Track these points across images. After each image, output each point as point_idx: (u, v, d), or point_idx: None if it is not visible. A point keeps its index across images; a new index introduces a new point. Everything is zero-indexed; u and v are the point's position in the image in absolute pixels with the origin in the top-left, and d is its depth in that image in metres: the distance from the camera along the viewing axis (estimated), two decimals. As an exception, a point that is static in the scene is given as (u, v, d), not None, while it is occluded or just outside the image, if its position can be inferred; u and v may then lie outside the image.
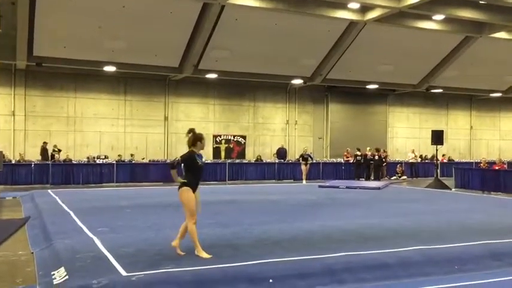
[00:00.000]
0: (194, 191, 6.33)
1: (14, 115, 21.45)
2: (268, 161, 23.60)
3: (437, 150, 19.55)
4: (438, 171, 20.17)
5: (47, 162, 19.28)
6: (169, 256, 6.13)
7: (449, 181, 18.41)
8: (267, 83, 25.02)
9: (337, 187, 17.41)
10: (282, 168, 22.35)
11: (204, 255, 6.11)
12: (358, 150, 23.11)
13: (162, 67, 22.11)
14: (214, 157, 24.49)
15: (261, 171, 21.94)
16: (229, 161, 22.79)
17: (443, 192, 16.42)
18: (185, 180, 6.26)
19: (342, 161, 24.11)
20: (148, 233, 7.77)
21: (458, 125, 31.00)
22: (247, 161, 23.44)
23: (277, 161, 23.24)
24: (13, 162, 19.18)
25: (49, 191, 15.27)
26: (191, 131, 6.51)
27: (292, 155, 25.48)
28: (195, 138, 6.42)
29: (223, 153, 25.07)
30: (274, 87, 25.80)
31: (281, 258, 6.05)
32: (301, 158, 20.98)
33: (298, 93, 26.76)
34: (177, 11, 18.77)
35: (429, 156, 26.77)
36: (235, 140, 25.53)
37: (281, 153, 24.32)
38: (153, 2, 18.08)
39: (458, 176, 17.64)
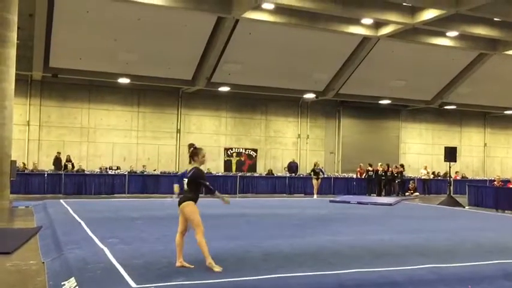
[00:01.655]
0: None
1: (28, 125, 21.74)
2: (279, 174, 23.55)
3: (450, 167, 19.36)
4: (451, 188, 19.95)
5: (60, 172, 19.44)
6: (179, 269, 6.12)
7: (462, 198, 18.20)
8: (279, 96, 25.10)
9: (349, 202, 17.29)
10: (293, 182, 22.29)
11: (216, 268, 6.07)
12: (370, 165, 23.00)
13: (175, 80, 22.31)
14: (225, 170, 24.52)
15: (272, 184, 21.90)
16: (240, 174, 22.79)
17: (456, 210, 16.22)
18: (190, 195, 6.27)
19: (354, 176, 23.98)
20: (158, 245, 7.76)
21: (472, 142, 30.71)
22: (258, 175, 23.42)
23: (288, 174, 23.18)
24: (26, 171, 19.36)
25: (61, 200, 15.37)
26: (191, 146, 6.48)
27: (304, 169, 25.41)
28: (192, 153, 6.38)
29: (234, 166, 25.08)
30: (286, 101, 25.86)
31: (291, 273, 6.00)
32: (312, 173, 20.90)
33: (310, 107, 26.78)
34: (191, 24, 18.98)
35: (442, 173, 26.52)
36: (246, 153, 25.55)
37: (292, 167, 24.27)
38: (168, 16, 18.31)
39: (472, 193, 17.43)
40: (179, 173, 6.68)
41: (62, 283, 5.58)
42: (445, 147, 19.84)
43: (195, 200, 6.27)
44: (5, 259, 6.92)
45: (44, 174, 18.85)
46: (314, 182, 20.52)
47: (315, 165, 21.07)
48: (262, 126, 25.97)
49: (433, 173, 26.58)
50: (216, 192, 6.35)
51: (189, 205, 6.24)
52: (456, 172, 26.42)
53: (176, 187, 7.15)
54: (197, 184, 6.32)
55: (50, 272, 6.18)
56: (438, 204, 17.79)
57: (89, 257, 6.69)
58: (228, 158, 25.11)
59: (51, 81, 21.37)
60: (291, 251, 7.55)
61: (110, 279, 5.56)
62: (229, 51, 20.70)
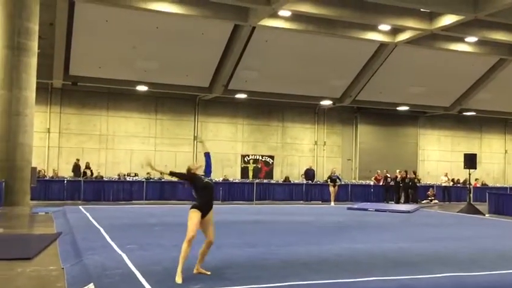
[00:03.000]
0: (205, 214, 6.12)
1: (49, 132, 22.08)
2: (296, 181, 23.48)
3: (470, 174, 19.07)
4: (471, 195, 19.65)
5: (79, 178, 19.68)
6: (197, 275, 6.13)
7: (482, 206, 17.90)
8: (296, 103, 25.08)
9: (366, 210, 17.14)
10: (310, 189, 22.18)
11: (178, 279, 5.79)
12: (387, 172, 22.77)
13: (192, 87, 22.48)
14: (242, 177, 24.54)
15: (289, 191, 21.83)
16: (257, 181, 22.77)
17: (476, 218, 15.95)
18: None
19: (371, 183, 23.78)
20: (176, 252, 7.73)
21: (492, 149, 30.22)
22: (275, 181, 23.37)
23: (305, 181, 23.09)
24: (47, 178, 19.63)
25: (80, 207, 15.53)
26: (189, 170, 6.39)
27: (321, 176, 25.30)
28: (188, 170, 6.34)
29: (251, 173, 25.10)
30: (303, 107, 25.83)
31: (309, 280, 5.96)
32: (329, 180, 20.78)
33: (327, 114, 26.69)
34: (208, 32, 19.13)
35: (461, 180, 26.14)
36: (263, 160, 25.55)
37: (309, 174, 24.17)
38: (186, 24, 18.48)
39: (492, 201, 17.13)
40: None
41: (81, 289, 5.63)
42: (465, 154, 19.55)
43: (195, 207, 6.14)
44: (25, 264, 7.01)
45: (64, 180, 19.09)
46: (331, 189, 20.40)
47: (331, 172, 20.96)
48: (279, 133, 25.96)
49: (453, 180, 26.20)
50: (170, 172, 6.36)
51: (189, 212, 6.18)
52: (476, 179, 26.01)
53: None
54: (196, 189, 6.20)
55: (70, 278, 6.24)
56: (458, 212, 17.52)
57: (107, 263, 6.74)
58: (244, 165, 25.14)
59: (71, 89, 21.71)
60: (309, 258, 7.50)
61: (128, 285, 5.59)
62: (246, 58, 20.79)
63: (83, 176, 20.27)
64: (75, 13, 17.78)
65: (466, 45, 21.06)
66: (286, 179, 23.70)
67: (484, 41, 20.51)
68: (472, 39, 20.26)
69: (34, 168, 16.45)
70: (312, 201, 21.52)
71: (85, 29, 18.43)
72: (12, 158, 15.37)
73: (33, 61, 15.75)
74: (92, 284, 5.68)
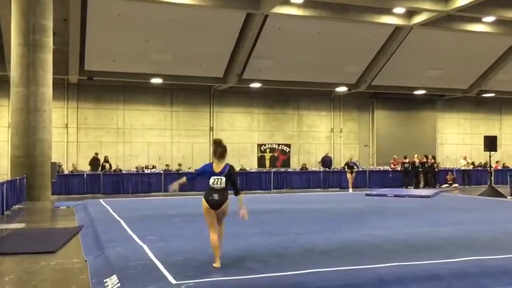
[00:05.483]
0: None
1: (67, 127, 22.35)
2: (314, 169, 23.42)
3: (490, 156, 18.80)
4: (492, 178, 19.37)
5: (98, 172, 19.91)
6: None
7: (504, 189, 17.65)
8: (311, 91, 24.94)
9: (385, 195, 17.03)
10: (328, 176, 22.12)
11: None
12: (405, 157, 22.57)
13: (206, 78, 22.49)
14: (259, 166, 24.57)
15: (306, 179, 21.80)
16: (274, 169, 22.77)
17: (497, 201, 15.74)
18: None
19: (389, 168, 23.60)
20: (195, 242, 7.84)
21: (513, 130, 29.72)
22: (292, 170, 23.36)
23: (322, 169, 23.02)
24: (66, 172, 19.90)
25: (101, 200, 15.72)
26: (220, 142, 6.29)
27: (338, 163, 25.19)
28: (224, 151, 6.24)
29: (268, 162, 25.11)
30: (318, 95, 25.68)
31: (328, 268, 5.96)
32: (346, 166, 20.70)
33: (342, 100, 26.50)
34: (221, 22, 19.07)
35: (482, 163, 25.77)
36: (279, 148, 25.53)
37: (326, 161, 24.08)
38: (198, 14, 18.45)
39: (514, 183, 16.87)
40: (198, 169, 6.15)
41: (105, 280, 5.71)
42: (485, 137, 19.26)
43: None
44: (49, 258, 7.14)
45: (83, 174, 19.34)
46: (348, 175, 20.32)
47: (349, 159, 20.87)
48: (295, 121, 25.87)
49: (473, 163, 25.82)
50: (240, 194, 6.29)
51: (228, 203, 6.21)
52: (497, 162, 25.63)
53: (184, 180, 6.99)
54: (231, 181, 6.22)
55: (93, 270, 6.34)
56: (478, 195, 17.30)
57: (129, 254, 6.82)
58: (261, 154, 25.15)
59: (86, 84, 21.91)
60: (328, 245, 7.49)
61: (150, 276, 5.66)
62: (260, 47, 20.71)
63: (102, 170, 20.51)
64: (88, 8, 17.88)
65: (483, 26, 20.64)
66: (303, 167, 23.66)
67: (502, 20, 20.07)
68: (489, 19, 19.84)
69: (54, 163, 16.69)
70: (329, 189, 21.48)
71: (98, 24, 18.53)
72: (33, 154, 15.61)
73: (48, 57, 15.91)
74: (114, 275, 5.76)
